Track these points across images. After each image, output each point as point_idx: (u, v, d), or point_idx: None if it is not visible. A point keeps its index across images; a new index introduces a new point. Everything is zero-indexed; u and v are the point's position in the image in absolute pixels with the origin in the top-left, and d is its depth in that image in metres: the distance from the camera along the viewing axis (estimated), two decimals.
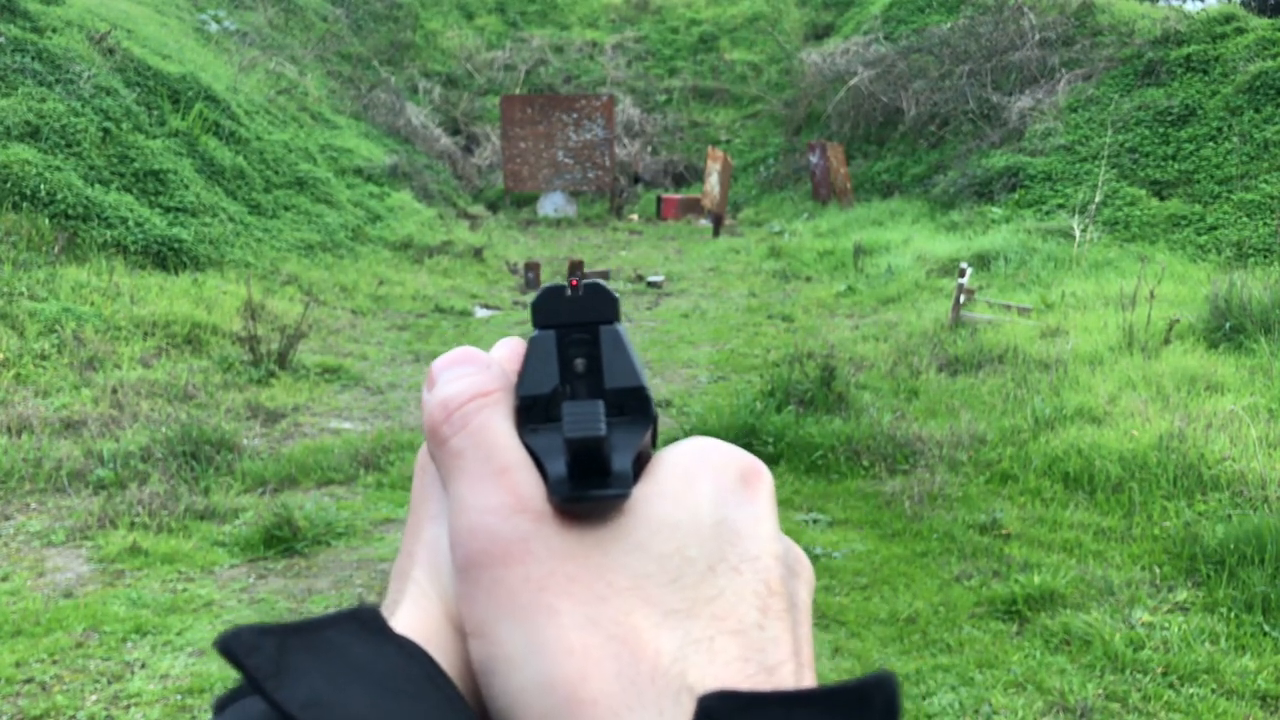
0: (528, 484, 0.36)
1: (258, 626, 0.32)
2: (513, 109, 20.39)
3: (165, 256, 9.87)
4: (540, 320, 0.39)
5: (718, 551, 0.36)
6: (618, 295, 0.40)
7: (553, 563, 0.35)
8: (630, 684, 0.33)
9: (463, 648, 0.36)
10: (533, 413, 0.38)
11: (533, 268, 13.11)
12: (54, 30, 11.69)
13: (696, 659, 0.34)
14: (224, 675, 3.78)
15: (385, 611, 0.38)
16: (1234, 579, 4.39)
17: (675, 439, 0.41)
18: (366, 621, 0.34)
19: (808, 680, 0.36)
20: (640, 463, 0.38)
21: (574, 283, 0.40)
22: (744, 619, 0.35)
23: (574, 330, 0.39)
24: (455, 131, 22.71)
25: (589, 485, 0.35)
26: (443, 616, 0.37)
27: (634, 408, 0.38)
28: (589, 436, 0.35)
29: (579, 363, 0.39)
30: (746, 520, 0.37)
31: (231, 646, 0.31)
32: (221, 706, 0.35)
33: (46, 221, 9.22)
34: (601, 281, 0.40)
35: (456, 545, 0.36)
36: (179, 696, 3.64)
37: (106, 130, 10.72)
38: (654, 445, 0.41)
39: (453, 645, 0.36)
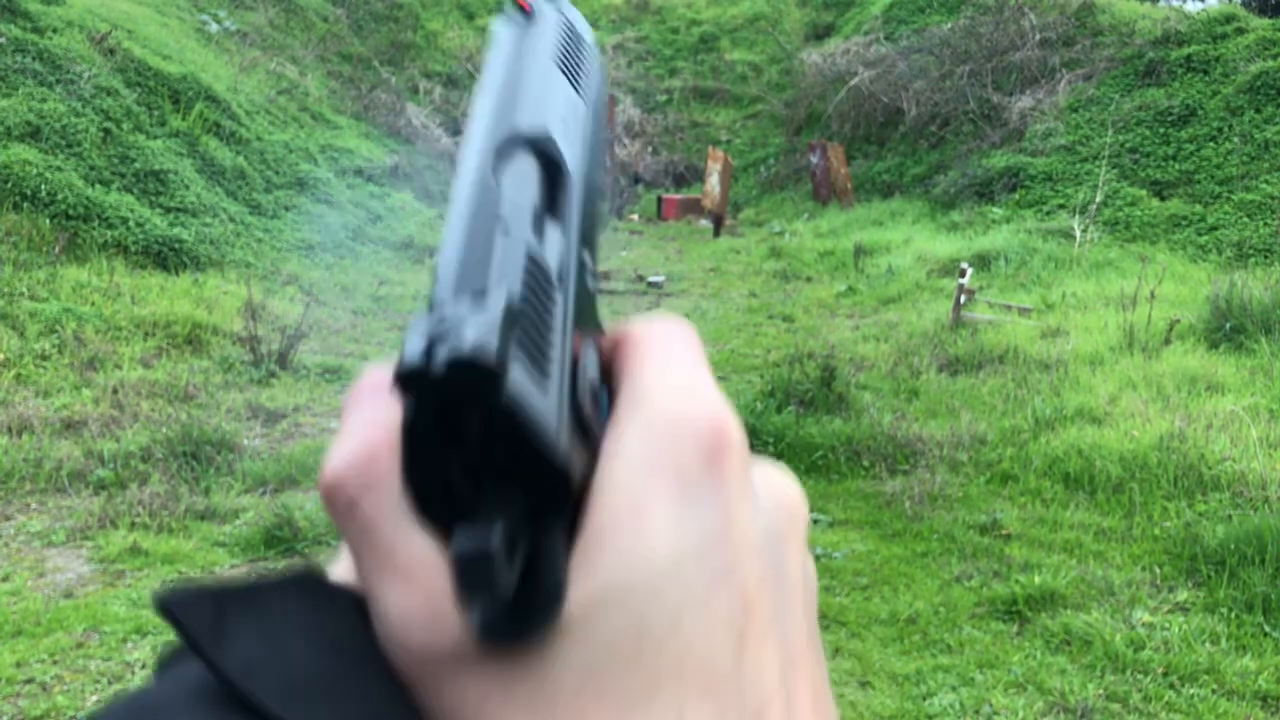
0: (439, 585, 0.29)
1: (196, 588, 0.30)
2: None
3: (166, 256, 9.87)
4: (409, 394, 0.28)
5: (681, 597, 0.30)
6: (497, 361, 0.27)
7: (485, 677, 0.29)
8: None
9: None
10: (428, 504, 0.30)
11: None
12: (54, 30, 11.69)
13: None
14: None
15: (332, 564, 0.35)
16: (1234, 579, 4.39)
17: None
18: (309, 583, 0.32)
19: (803, 687, 0.33)
20: (577, 501, 0.30)
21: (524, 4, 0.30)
22: (718, 665, 0.30)
23: (455, 408, 0.28)
24: (456, 132, 22.72)
25: (507, 620, 0.28)
26: None
27: (548, 495, 0.29)
28: (483, 592, 0.27)
29: (472, 433, 0.28)
30: (716, 520, 0.31)
31: (169, 605, 0.29)
32: (163, 667, 0.32)
33: (47, 221, 9.22)
34: (471, 349, 0.27)
35: (387, 643, 0.30)
36: None
37: (107, 130, 10.73)
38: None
39: None
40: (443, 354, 0.27)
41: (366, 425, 0.32)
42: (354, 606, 0.31)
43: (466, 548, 0.27)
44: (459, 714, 0.30)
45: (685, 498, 0.31)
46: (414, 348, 0.27)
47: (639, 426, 0.32)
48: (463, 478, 0.29)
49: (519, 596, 0.28)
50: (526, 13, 0.33)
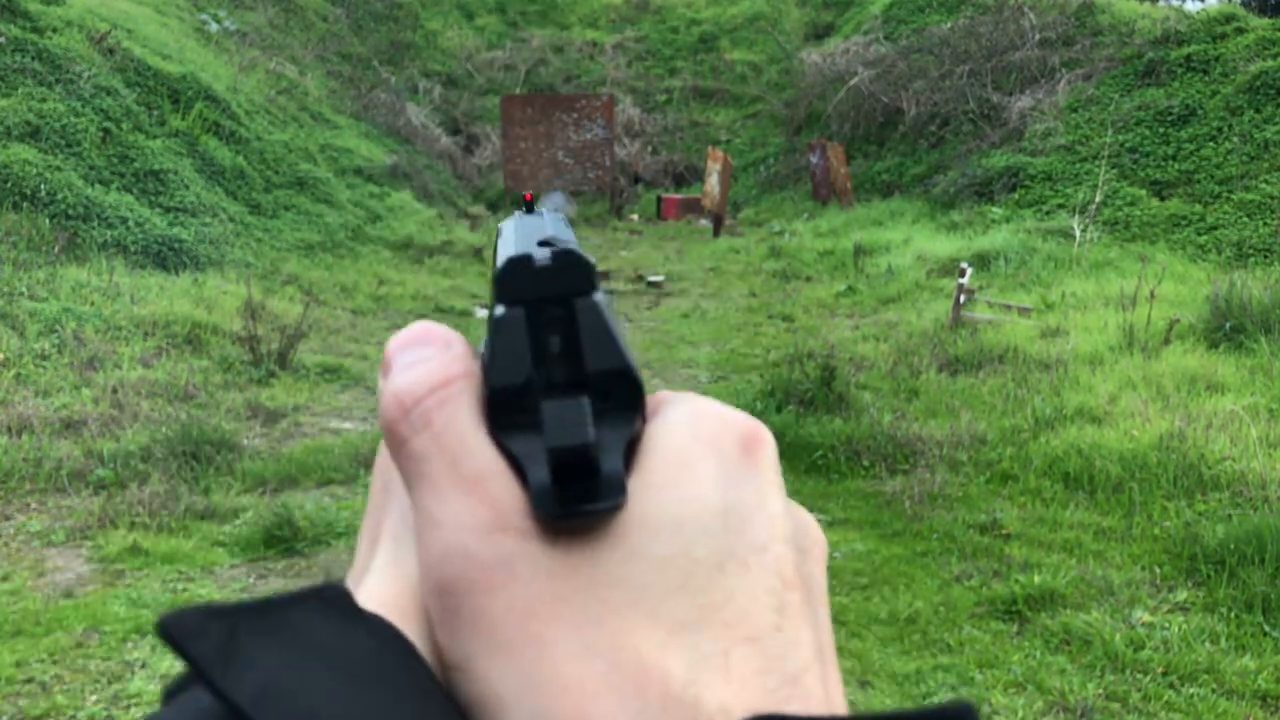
0: (505, 494, 0.31)
1: (205, 608, 0.29)
2: (513, 109, 20.40)
3: (165, 256, 9.87)
4: (506, 296, 0.33)
5: (725, 546, 0.31)
6: (593, 260, 0.34)
7: (539, 584, 0.30)
8: (636, 717, 0.29)
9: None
10: (505, 407, 0.33)
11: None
12: (54, 30, 11.69)
13: (710, 678, 0.30)
14: None
15: (351, 583, 0.34)
16: (1234, 579, 4.39)
17: None
18: (332, 600, 0.30)
19: (832, 680, 0.33)
20: (630, 450, 0.33)
21: (528, 196, 0.36)
22: (759, 623, 0.31)
23: (546, 305, 0.33)
24: (455, 131, 22.72)
25: (578, 498, 0.31)
26: (416, 587, 0.33)
27: (620, 393, 0.33)
28: (573, 445, 0.31)
29: (554, 343, 0.33)
30: (751, 499, 0.33)
31: (172, 630, 0.28)
32: (170, 696, 0.31)
33: (47, 221, 9.22)
34: (574, 247, 0.34)
35: (428, 569, 0.31)
36: None
37: (106, 130, 10.73)
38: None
39: (427, 620, 0.32)
40: (545, 251, 0.33)
41: (432, 357, 0.34)
42: (383, 631, 0.30)
43: (558, 409, 0.31)
44: (502, 627, 0.30)
45: (724, 472, 0.33)
46: (519, 249, 0.34)
47: (684, 413, 0.35)
48: (538, 388, 0.32)
49: (586, 476, 0.31)
50: (528, 201, 0.37)
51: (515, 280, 0.33)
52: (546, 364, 0.33)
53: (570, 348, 0.33)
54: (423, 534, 0.32)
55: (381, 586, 0.33)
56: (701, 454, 0.33)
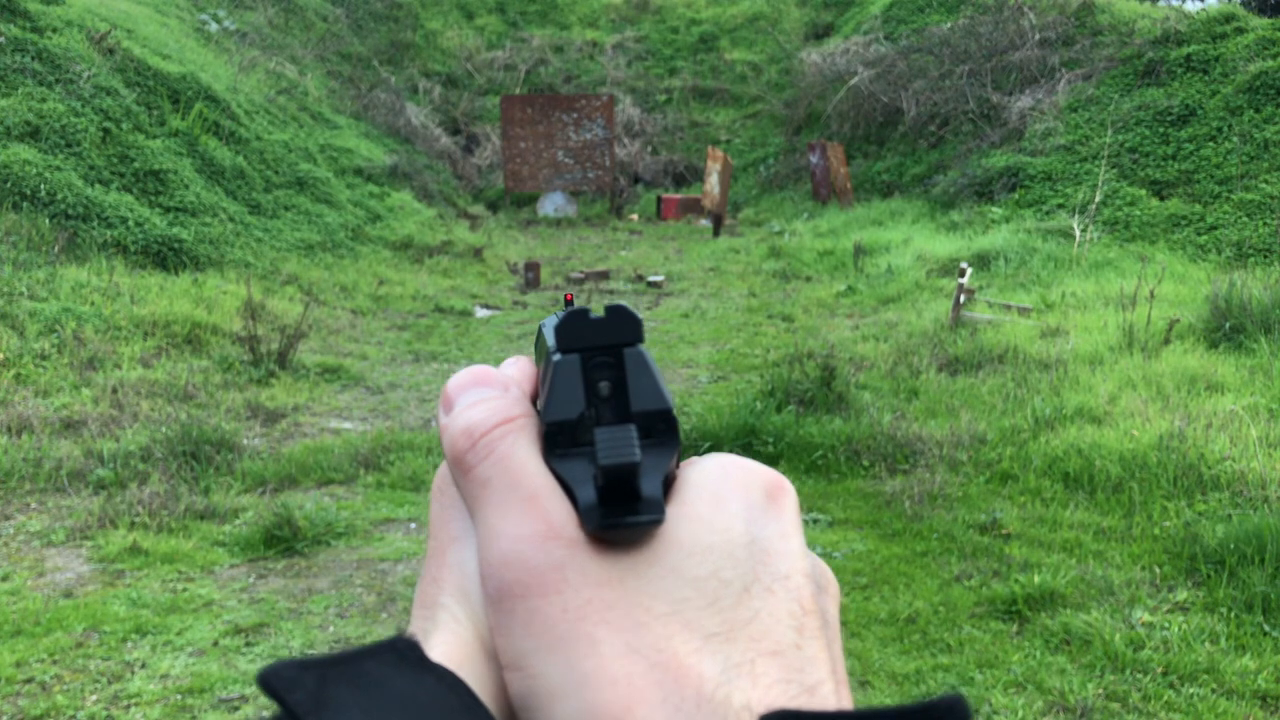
0: (558, 511, 0.36)
1: (297, 660, 0.32)
2: (513, 109, 20.39)
3: (165, 256, 9.87)
4: (564, 344, 0.39)
5: (751, 572, 0.36)
6: (641, 317, 0.39)
7: (589, 590, 0.34)
8: (676, 711, 0.32)
9: (498, 675, 0.36)
10: (559, 438, 0.38)
11: (532, 268, 13.10)
12: (54, 30, 11.69)
13: (740, 683, 0.33)
14: (224, 675, 3.78)
15: (417, 630, 0.38)
16: (1234, 579, 4.39)
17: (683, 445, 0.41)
18: (404, 652, 0.34)
19: (846, 698, 0.36)
20: (666, 485, 0.38)
21: (569, 296, 0.40)
22: (781, 640, 0.35)
23: (598, 353, 0.39)
24: (455, 131, 22.72)
25: (622, 512, 0.35)
26: (476, 642, 0.37)
27: (661, 430, 0.38)
28: (624, 463, 0.35)
29: (604, 386, 0.38)
30: (775, 538, 0.37)
31: (272, 682, 0.31)
32: None
33: (46, 221, 9.22)
34: (625, 304, 0.39)
35: (488, 576, 0.36)
36: (179, 696, 3.64)
37: (106, 130, 10.72)
38: (677, 465, 0.41)
39: (487, 673, 0.36)
40: (600, 308, 0.39)
41: (495, 397, 0.39)
42: (449, 680, 0.33)
43: (609, 434, 0.36)
44: (555, 627, 0.34)
45: (751, 511, 0.38)
46: (574, 308, 0.39)
47: (717, 460, 0.40)
48: (589, 424, 0.38)
49: (629, 496, 0.36)
50: (569, 302, 0.43)
51: (573, 331, 0.39)
52: (596, 403, 0.38)
53: (618, 390, 0.38)
54: (484, 547, 0.36)
55: (445, 640, 0.37)
56: (731, 494, 0.38)
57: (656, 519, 0.35)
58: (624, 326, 0.39)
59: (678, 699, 0.33)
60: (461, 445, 0.38)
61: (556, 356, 0.39)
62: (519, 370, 0.43)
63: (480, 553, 0.36)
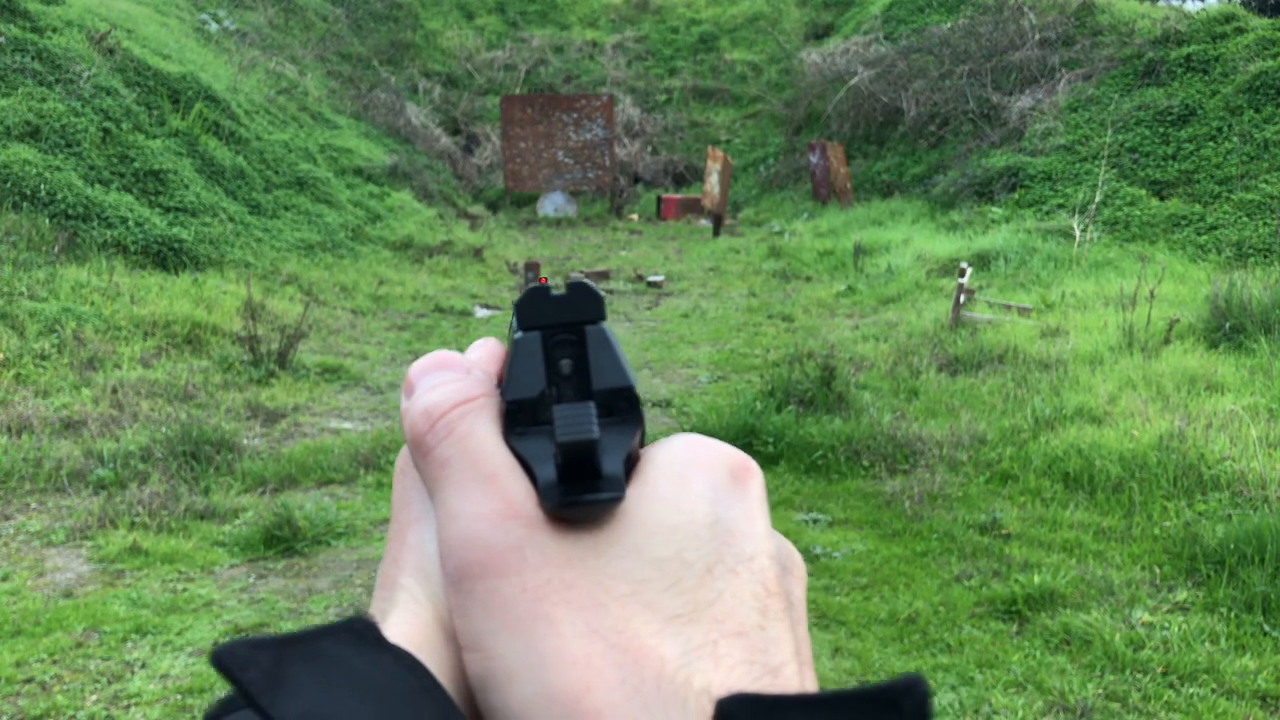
0: (518, 490, 0.35)
1: (252, 640, 0.32)
2: (513, 109, 20.39)
3: (165, 256, 9.87)
4: (524, 322, 0.38)
5: (714, 553, 0.35)
6: (603, 294, 0.39)
7: (548, 570, 0.34)
8: (635, 693, 0.32)
9: (457, 656, 0.35)
10: (519, 417, 0.37)
11: (533, 267, 13.10)
12: (54, 30, 11.69)
13: (701, 664, 0.33)
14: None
15: (376, 611, 0.38)
16: (1234, 579, 4.39)
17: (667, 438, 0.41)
18: (361, 632, 0.33)
19: (809, 680, 0.36)
20: (630, 464, 0.37)
21: (542, 279, 0.40)
22: (745, 621, 0.34)
23: (559, 331, 0.38)
24: (455, 131, 22.72)
25: (581, 490, 0.35)
26: (435, 623, 0.36)
27: (623, 409, 0.37)
28: (581, 440, 0.34)
29: (565, 364, 0.38)
30: (740, 519, 0.37)
31: (226, 661, 0.31)
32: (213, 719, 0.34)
33: (46, 221, 9.22)
34: (587, 280, 0.39)
35: (447, 556, 0.35)
36: (179, 696, 3.64)
37: (106, 130, 10.72)
38: (641, 445, 0.40)
39: (446, 653, 0.35)
40: (561, 284, 0.38)
41: (455, 379, 0.39)
42: (407, 660, 0.33)
43: (567, 411, 0.35)
44: (513, 607, 0.34)
45: (716, 492, 0.37)
46: (535, 285, 0.39)
47: (683, 440, 0.39)
48: (549, 402, 0.37)
49: (589, 474, 0.35)
50: (543, 284, 0.41)
51: (533, 308, 0.38)
52: (558, 381, 0.38)
53: (579, 367, 0.38)
54: (444, 527, 0.36)
55: (403, 621, 0.36)
56: (696, 474, 0.37)
57: (616, 497, 0.35)
58: (586, 304, 0.38)
59: (637, 680, 0.32)
60: (420, 426, 0.38)
61: (518, 334, 0.38)
62: (486, 351, 0.42)
63: (439, 533, 0.36)
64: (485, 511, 0.35)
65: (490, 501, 0.35)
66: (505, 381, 0.38)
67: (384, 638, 0.33)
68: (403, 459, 0.40)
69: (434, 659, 0.35)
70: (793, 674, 0.34)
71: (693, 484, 0.37)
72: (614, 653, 0.33)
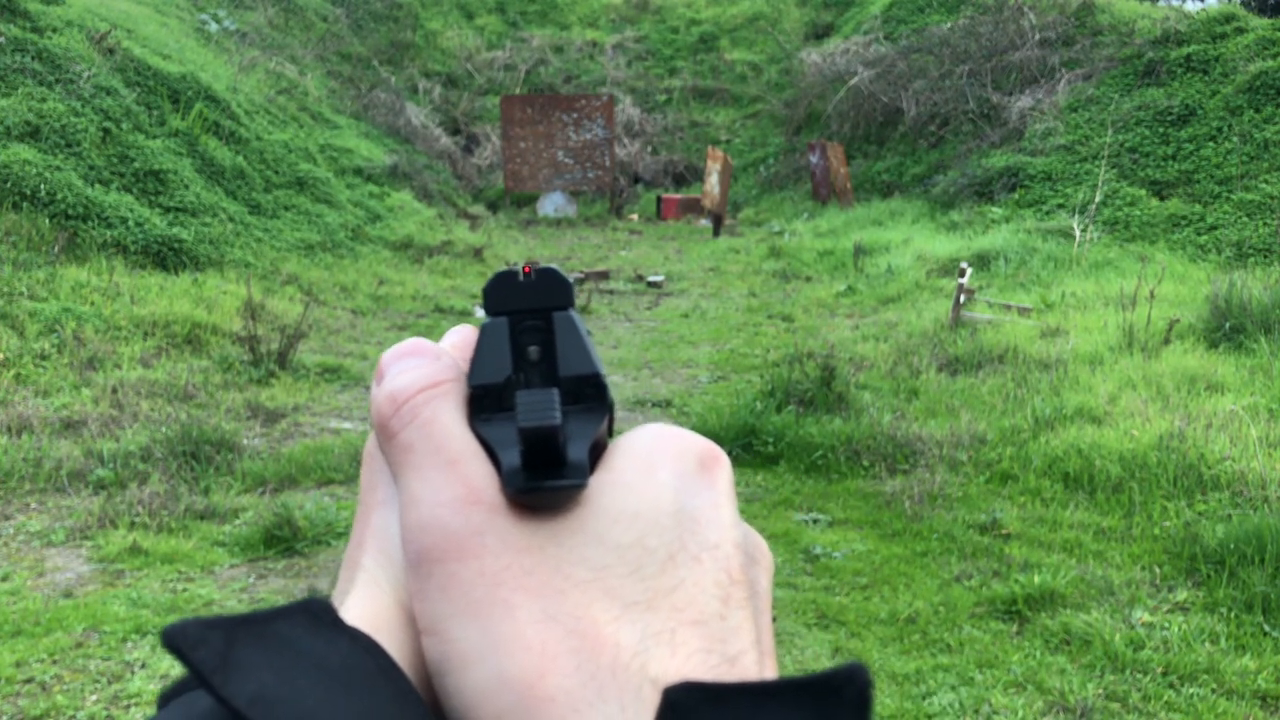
0: (480, 475, 0.35)
1: (205, 619, 0.31)
2: (513, 109, 20.39)
3: (165, 256, 9.87)
4: (492, 307, 0.38)
5: (678, 540, 0.35)
6: (571, 280, 0.39)
7: (508, 556, 0.34)
8: (590, 679, 0.32)
9: (415, 639, 0.35)
10: (485, 402, 0.37)
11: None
12: (54, 30, 11.69)
13: (658, 652, 0.33)
14: None
15: (335, 601, 0.37)
16: (1234, 579, 4.39)
17: None
18: (317, 613, 0.33)
19: (769, 670, 0.36)
20: (597, 452, 0.37)
21: (526, 269, 0.39)
22: (705, 609, 0.34)
23: (527, 317, 0.38)
24: (455, 131, 22.72)
25: (544, 476, 0.34)
26: (394, 605, 0.36)
27: (589, 395, 0.37)
28: (543, 425, 0.34)
29: (532, 350, 0.38)
30: (706, 507, 0.37)
31: (177, 640, 0.30)
32: (166, 700, 0.34)
33: (46, 221, 9.22)
34: (555, 266, 0.39)
35: (408, 540, 0.35)
36: None
37: (106, 130, 10.72)
38: (610, 434, 0.40)
39: (404, 635, 0.35)
40: (532, 269, 0.38)
41: (422, 365, 0.38)
42: (363, 641, 0.33)
43: (530, 397, 0.35)
44: (471, 592, 0.34)
45: (681, 480, 0.37)
46: (503, 270, 0.38)
47: (651, 429, 0.39)
48: (515, 388, 0.37)
49: (553, 460, 0.35)
50: (526, 274, 0.40)
51: (501, 293, 0.38)
52: (525, 367, 0.38)
53: (546, 354, 0.38)
54: (405, 512, 0.36)
55: (362, 602, 0.36)
56: (662, 462, 0.37)
57: (579, 483, 0.35)
58: (554, 290, 0.38)
59: (592, 667, 0.32)
60: (386, 411, 0.37)
61: (485, 319, 0.38)
62: (460, 338, 0.42)
63: (402, 517, 0.36)
64: (447, 497, 0.35)
65: (452, 487, 0.35)
66: (471, 366, 0.38)
67: (340, 619, 0.33)
68: (371, 443, 0.40)
69: (393, 642, 0.35)
70: (751, 663, 0.34)
71: (658, 472, 0.37)
72: (570, 639, 0.33)
